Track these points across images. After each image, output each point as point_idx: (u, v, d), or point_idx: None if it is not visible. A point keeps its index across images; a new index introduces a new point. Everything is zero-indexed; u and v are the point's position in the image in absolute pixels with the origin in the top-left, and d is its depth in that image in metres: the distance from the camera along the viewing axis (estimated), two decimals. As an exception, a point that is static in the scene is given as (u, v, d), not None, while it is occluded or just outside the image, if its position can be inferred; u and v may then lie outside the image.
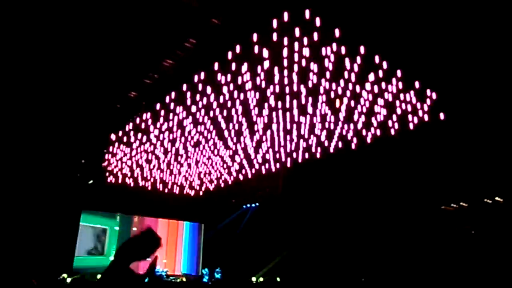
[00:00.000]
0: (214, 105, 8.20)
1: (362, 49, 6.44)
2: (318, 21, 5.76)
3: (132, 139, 10.00)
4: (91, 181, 12.83)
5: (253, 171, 11.52)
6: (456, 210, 11.19)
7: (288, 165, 10.54)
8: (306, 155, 10.12)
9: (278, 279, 13.72)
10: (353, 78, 7.13)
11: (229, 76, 7.21)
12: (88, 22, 6.62)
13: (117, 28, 6.72)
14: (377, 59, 6.71)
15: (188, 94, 7.98)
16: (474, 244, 10.35)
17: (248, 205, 15.79)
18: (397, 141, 9.44)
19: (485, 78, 7.32)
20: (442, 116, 7.89)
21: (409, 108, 7.94)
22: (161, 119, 9.03)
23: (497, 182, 9.92)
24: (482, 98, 7.75)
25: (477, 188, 10.45)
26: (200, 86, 7.63)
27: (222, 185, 12.92)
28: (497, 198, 10.44)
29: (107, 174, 11.99)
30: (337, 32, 6.01)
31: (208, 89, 7.68)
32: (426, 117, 8.08)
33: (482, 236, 10.36)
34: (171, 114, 8.76)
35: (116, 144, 10.42)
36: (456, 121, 8.46)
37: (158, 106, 8.59)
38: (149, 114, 8.99)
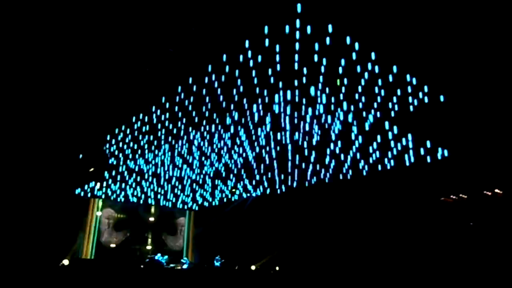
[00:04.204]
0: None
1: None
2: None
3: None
4: (91, 169, 12.80)
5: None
6: (455, 201, 11.29)
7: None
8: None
9: (277, 268, 13.88)
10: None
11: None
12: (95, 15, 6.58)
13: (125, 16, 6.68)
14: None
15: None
16: (473, 236, 10.47)
17: (248, 194, 15.83)
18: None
19: (486, 72, 7.35)
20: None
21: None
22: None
23: (497, 174, 9.99)
24: (483, 92, 7.78)
25: (477, 180, 10.53)
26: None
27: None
28: (496, 190, 10.54)
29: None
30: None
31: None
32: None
33: (481, 228, 10.47)
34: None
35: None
36: (456, 114, 8.51)
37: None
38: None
